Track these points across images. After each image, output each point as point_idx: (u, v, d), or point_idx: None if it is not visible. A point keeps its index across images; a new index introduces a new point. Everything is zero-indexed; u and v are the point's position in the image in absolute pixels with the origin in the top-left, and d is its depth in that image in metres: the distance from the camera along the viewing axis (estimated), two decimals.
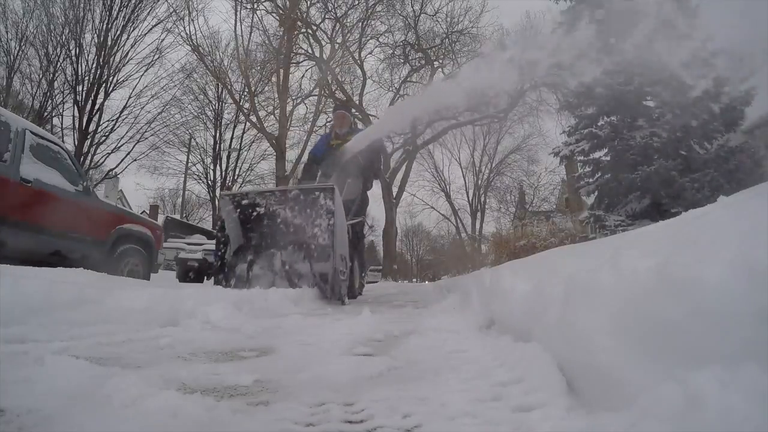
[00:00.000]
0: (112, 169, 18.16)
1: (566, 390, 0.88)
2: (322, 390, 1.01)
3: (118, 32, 16.91)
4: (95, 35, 16.72)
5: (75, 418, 0.75)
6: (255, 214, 4.13)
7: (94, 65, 16.75)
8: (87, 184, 4.77)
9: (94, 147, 16.68)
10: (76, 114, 16.35)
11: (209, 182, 23.38)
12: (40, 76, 16.84)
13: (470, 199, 31.97)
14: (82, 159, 15.39)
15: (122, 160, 17.74)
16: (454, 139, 29.82)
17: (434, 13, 23.27)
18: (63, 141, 11.20)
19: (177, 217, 18.91)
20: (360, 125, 11.26)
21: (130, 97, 17.56)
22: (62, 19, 16.57)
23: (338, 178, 5.27)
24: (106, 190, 19.73)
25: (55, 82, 16.81)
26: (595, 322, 0.81)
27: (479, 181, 31.14)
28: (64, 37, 16.58)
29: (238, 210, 4.17)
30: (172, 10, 17.40)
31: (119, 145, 17.40)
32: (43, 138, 4.48)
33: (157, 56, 17.82)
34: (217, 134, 23.03)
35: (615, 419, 0.65)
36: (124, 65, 17.32)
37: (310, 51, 19.90)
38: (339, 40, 20.52)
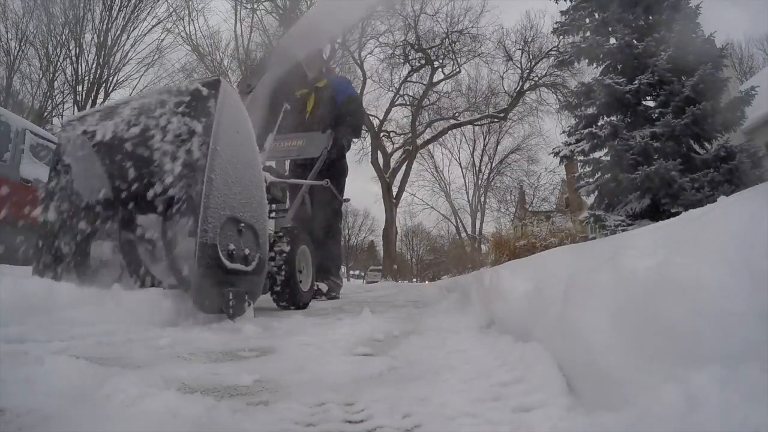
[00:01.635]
0: None
1: (566, 390, 0.88)
2: (322, 390, 1.01)
3: (118, 32, 16.94)
4: (95, 35, 16.74)
5: (75, 418, 0.75)
6: (108, 150, 2.30)
7: (94, 65, 16.76)
8: None
9: None
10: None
11: None
12: (40, 76, 16.86)
13: (470, 199, 32.02)
14: None
15: None
16: (454, 139, 29.95)
17: (434, 13, 23.33)
18: None
19: None
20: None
21: None
22: (62, 19, 16.58)
23: (273, 114, 3.56)
24: None
25: (55, 82, 16.82)
26: (595, 322, 0.81)
27: (479, 181, 31.20)
28: (64, 37, 16.59)
29: (95, 147, 2.30)
30: (172, 10, 17.44)
31: None
32: (43, 138, 4.48)
33: (157, 56, 17.85)
34: None
35: (615, 419, 0.65)
36: (124, 65, 17.34)
37: None
38: (339, 40, 20.54)
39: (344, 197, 4.62)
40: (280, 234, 3.08)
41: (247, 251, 2.17)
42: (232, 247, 2.06)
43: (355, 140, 4.80)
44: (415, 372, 1.20)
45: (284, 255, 2.94)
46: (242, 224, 2.15)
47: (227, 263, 2.01)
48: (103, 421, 0.73)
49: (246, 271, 2.15)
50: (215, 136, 1.96)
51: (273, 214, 3.59)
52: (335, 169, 4.38)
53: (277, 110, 3.50)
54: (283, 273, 2.91)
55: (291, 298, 2.99)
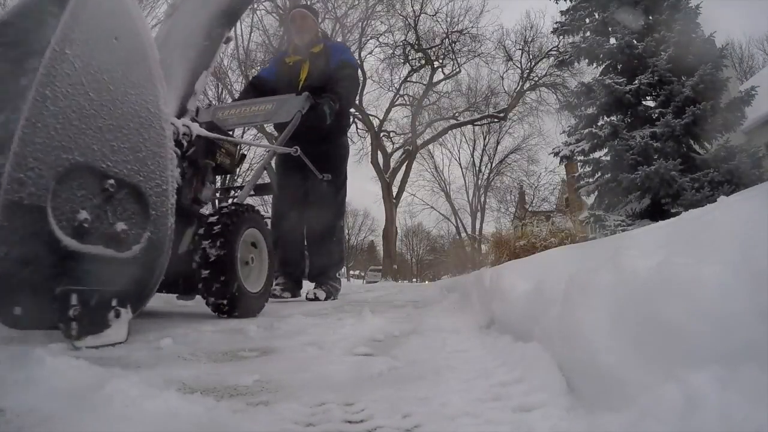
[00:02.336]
0: None
1: (566, 390, 0.88)
2: (322, 390, 1.01)
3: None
4: None
5: (75, 418, 0.75)
6: None
7: None
8: None
9: None
10: None
11: None
12: None
13: (470, 199, 32.03)
14: None
15: None
16: (454, 139, 30.02)
17: (434, 13, 23.37)
18: None
19: None
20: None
21: None
22: None
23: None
24: None
25: None
26: (595, 322, 0.81)
27: (479, 181, 31.21)
28: None
29: None
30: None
31: None
32: None
33: None
34: None
35: (615, 419, 0.65)
36: None
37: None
38: (339, 40, 20.56)
39: (339, 181, 3.94)
40: (216, 214, 2.29)
41: (121, 226, 1.38)
42: (83, 216, 1.28)
43: (345, 112, 3.96)
44: (415, 372, 1.20)
45: (218, 242, 2.15)
46: (111, 181, 1.35)
47: (69, 242, 1.25)
48: (104, 422, 0.73)
49: (118, 259, 1.38)
50: (64, 33, 1.25)
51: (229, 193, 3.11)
52: (332, 150, 3.78)
53: (215, 39, 2.73)
54: (215, 268, 2.13)
55: (229, 304, 2.19)
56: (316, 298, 3.73)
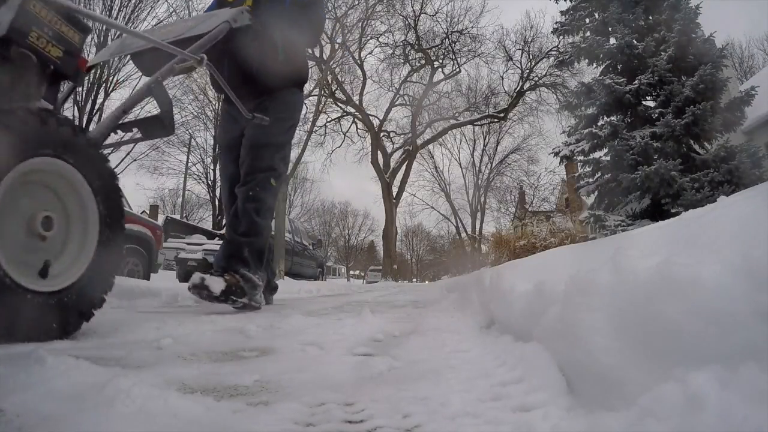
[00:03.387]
0: None
1: (566, 390, 0.88)
2: (322, 390, 1.01)
3: (118, 32, 16.93)
4: (95, 35, 16.74)
5: (75, 418, 0.75)
6: None
7: None
8: None
9: None
10: (76, 114, 16.35)
11: (209, 182, 23.43)
12: None
13: (470, 199, 32.01)
14: None
15: (122, 160, 17.79)
16: (454, 139, 30.02)
17: (434, 13, 23.35)
18: None
19: (177, 217, 18.90)
20: None
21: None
22: None
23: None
24: None
25: None
26: (594, 322, 0.81)
27: (479, 181, 31.19)
28: None
29: None
30: (172, 10, 17.46)
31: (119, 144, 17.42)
32: None
33: None
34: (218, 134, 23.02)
35: (615, 419, 0.65)
36: (124, 65, 17.33)
37: (309, 51, 19.95)
38: (339, 40, 20.55)
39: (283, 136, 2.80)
40: None
41: None
42: None
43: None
44: (415, 372, 1.20)
45: None
46: None
47: None
48: (104, 422, 0.73)
49: None
50: None
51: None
52: (279, 102, 2.75)
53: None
54: None
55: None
56: (205, 287, 2.32)
